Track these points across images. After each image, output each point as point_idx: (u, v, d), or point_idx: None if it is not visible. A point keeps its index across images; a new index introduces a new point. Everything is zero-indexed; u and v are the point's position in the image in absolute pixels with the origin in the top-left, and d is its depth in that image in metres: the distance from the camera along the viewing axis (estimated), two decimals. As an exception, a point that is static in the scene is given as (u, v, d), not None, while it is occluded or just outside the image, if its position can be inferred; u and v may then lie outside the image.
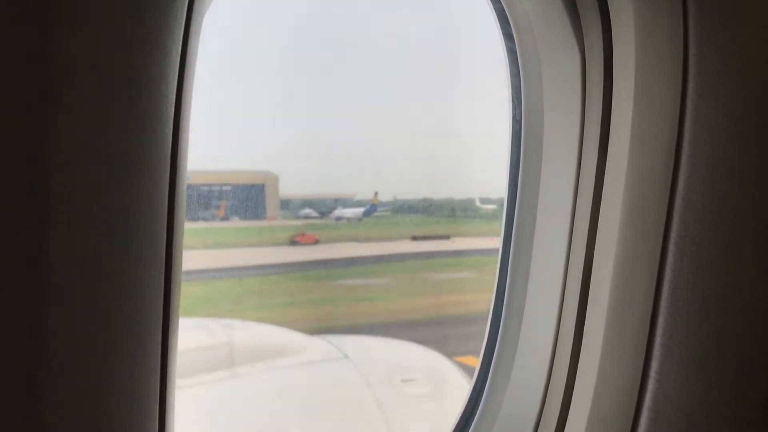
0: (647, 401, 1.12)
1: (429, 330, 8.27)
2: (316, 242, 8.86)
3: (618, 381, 1.13)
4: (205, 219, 7.37)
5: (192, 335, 6.19)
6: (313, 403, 5.97)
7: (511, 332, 1.31)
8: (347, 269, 8.68)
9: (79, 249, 0.68)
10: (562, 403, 1.20)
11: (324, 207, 9.42)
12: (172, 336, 0.84)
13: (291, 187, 8.53)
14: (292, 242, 8.72)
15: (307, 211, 9.09)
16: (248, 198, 7.63)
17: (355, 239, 9.50)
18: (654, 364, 1.11)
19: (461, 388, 5.80)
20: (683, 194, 1.07)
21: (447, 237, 10.41)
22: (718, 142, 1.07)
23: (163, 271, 0.77)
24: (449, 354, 6.70)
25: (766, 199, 1.13)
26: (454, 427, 1.35)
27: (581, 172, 1.18)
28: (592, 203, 1.16)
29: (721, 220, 1.09)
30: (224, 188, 8.02)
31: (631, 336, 1.12)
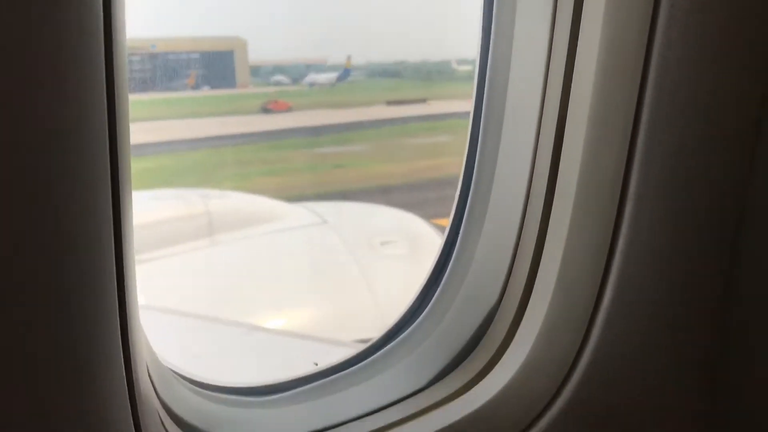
0: (613, 271, 1.16)
1: (406, 194, 8.39)
2: (289, 109, 8.73)
3: (586, 248, 1.16)
4: (175, 89, 7.20)
5: (170, 206, 6.21)
6: (294, 266, 6.12)
7: (482, 193, 1.32)
8: (322, 137, 8.63)
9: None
10: (531, 264, 1.23)
11: (296, 73, 9.20)
12: (127, 230, 0.79)
13: (261, 53, 8.29)
14: (265, 110, 8.57)
15: (279, 77, 8.88)
16: (218, 66, 7.42)
17: (329, 105, 9.37)
18: (624, 230, 1.14)
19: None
20: (657, 66, 1.07)
21: (423, 101, 10.29)
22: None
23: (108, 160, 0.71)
24: (426, 217, 6.84)
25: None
26: (423, 284, 1.40)
27: (556, 26, 1.15)
28: (567, 58, 1.15)
29: (699, 90, 1.09)
30: (192, 56, 7.77)
31: (601, 197, 1.14)
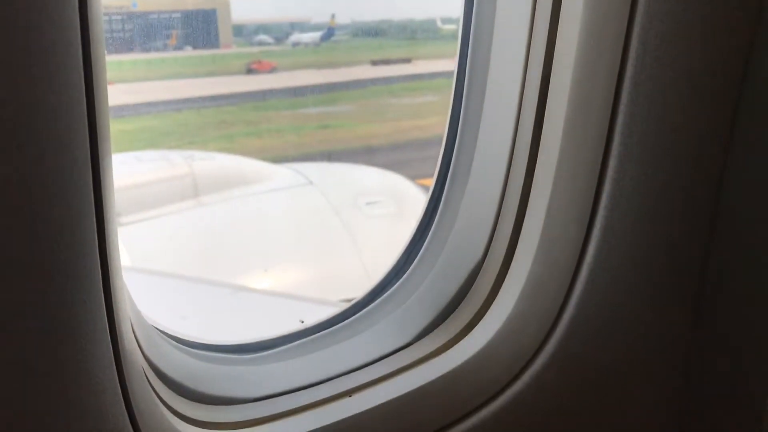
0: (597, 226, 1.16)
1: (391, 154, 8.37)
2: (273, 70, 8.62)
3: (570, 204, 1.16)
4: (157, 49, 7.07)
5: (154, 167, 6.16)
6: (280, 228, 6.12)
7: (467, 146, 1.32)
8: (307, 97, 8.55)
9: None
10: (515, 219, 1.23)
11: (280, 32, 9.06)
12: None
13: (244, 12, 8.14)
14: (249, 70, 8.47)
15: (262, 37, 8.74)
16: (200, 25, 7.27)
17: (314, 66, 9.27)
18: (607, 186, 1.14)
19: (424, 208, 5.99)
20: (641, 19, 1.06)
21: (408, 60, 10.20)
22: None
23: (86, 124, 0.70)
24: (411, 177, 6.84)
25: None
26: (408, 242, 1.40)
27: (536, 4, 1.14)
28: (551, 13, 1.13)
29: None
30: (174, 15, 7.62)
31: (584, 154, 1.14)
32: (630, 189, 1.13)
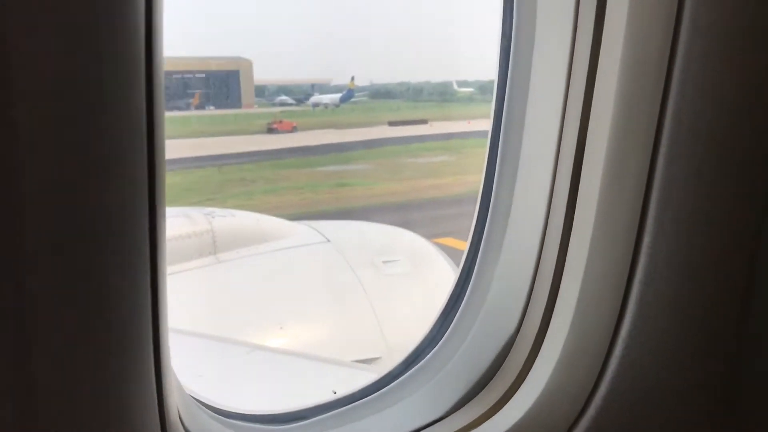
0: (632, 300, 1.15)
1: (408, 213, 8.40)
2: (294, 129, 8.78)
3: (605, 277, 1.15)
4: (179, 108, 7.23)
5: (174, 223, 6.21)
6: (297, 284, 6.11)
7: (501, 216, 1.31)
8: (326, 156, 8.66)
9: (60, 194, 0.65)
10: (550, 292, 1.21)
11: (300, 93, 9.27)
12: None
13: (266, 73, 8.36)
14: (270, 130, 8.62)
15: (283, 98, 8.94)
16: (223, 85, 7.48)
17: (333, 126, 9.42)
18: (642, 260, 1.13)
19: (441, 268, 5.95)
20: (679, 78, 1.06)
21: (424, 121, 10.36)
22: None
23: (147, 202, 0.72)
24: (428, 236, 6.84)
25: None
26: (441, 311, 1.39)
27: (575, 50, 1.14)
28: (586, 84, 1.14)
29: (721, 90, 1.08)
30: (198, 76, 7.82)
31: (620, 226, 1.12)
32: (664, 264, 1.13)
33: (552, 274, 1.20)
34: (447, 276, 5.50)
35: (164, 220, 0.80)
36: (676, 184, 1.10)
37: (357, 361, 4.51)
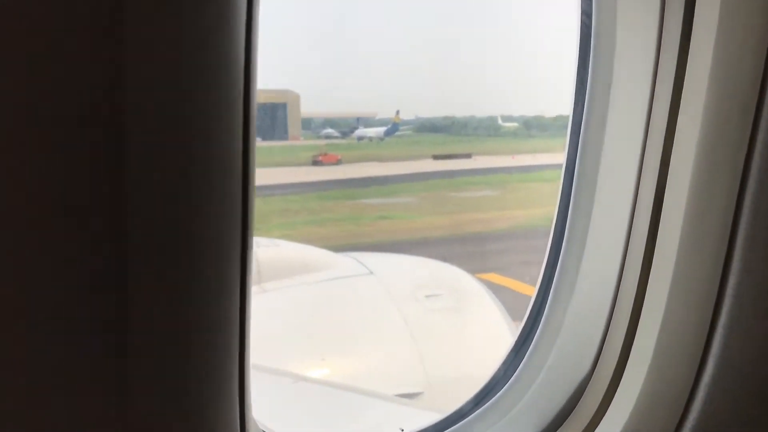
0: (715, 344, 1.10)
1: (451, 247, 8.36)
2: (339, 162, 8.88)
3: (687, 318, 1.10)
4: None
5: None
6: (340, 315, 6.11)
7: (575, 249, 1.26)
8: (369, 188, 8.72)
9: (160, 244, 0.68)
10: (626, 332, 1.17)
11: (346, 126, 9.40)
12: (247, 316, 0.82)
13: (313, 106, 8.50)
14: (315, 162, 8.74)
15: (329, 130, 9.07)
16: (271, 118, 7.62)
17: (377, 159, 9.50)
18: (726, 301, 1.08)
19: (485, 304, 5.89)
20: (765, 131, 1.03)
21: (468, 156, 10.37)
22: None
23: (239, 251, 0.75)
24: (471, 271, 6.78)
25: None
26: (511, 347, 1.35)
27: (657, 82, 1.10)
28: (666, 132, 1.11)
29: None
30: (246, 108, 7.96)
31: (703, 265, 1.08)
32: (749, 304, 1.09)
33: (630, 313, 1.16)
34: (491, 313, 5.45)
35: (252, 237, 0.83)
36: (764, 221, 1.06)
37: (398, 395, 4.47)
